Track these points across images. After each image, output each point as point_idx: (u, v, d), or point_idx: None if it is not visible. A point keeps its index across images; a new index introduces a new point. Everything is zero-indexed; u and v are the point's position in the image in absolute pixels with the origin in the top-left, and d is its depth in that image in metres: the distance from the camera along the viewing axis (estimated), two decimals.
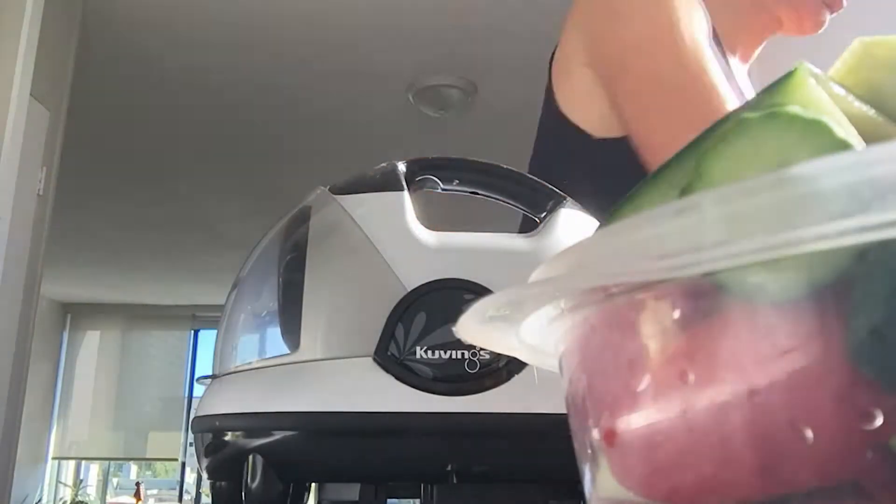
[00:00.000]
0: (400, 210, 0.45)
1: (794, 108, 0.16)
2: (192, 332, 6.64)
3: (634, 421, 0.17)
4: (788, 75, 0.18)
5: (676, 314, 0.16)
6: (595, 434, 0.18)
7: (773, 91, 0.18)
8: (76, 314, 6.78)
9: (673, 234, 0.14)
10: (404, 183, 0.47)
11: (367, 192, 0.47)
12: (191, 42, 2.95)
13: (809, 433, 0.14)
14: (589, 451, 0.19)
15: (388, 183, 0.47)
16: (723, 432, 0.15)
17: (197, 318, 6.66)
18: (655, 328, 0.17)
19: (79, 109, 2.82)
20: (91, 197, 4.28)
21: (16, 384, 2.34)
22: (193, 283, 5.99)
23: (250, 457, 0.41)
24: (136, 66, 3.13)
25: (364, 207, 0.46)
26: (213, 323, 6.03)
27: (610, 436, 0.18)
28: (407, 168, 0.48)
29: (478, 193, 0.52)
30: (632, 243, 0.15)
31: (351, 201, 0.46)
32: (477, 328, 0.20)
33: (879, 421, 0.13)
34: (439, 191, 0.51)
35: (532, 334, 0.21)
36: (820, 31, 0.83)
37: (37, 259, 2.47)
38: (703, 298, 0.16)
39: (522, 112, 1.71)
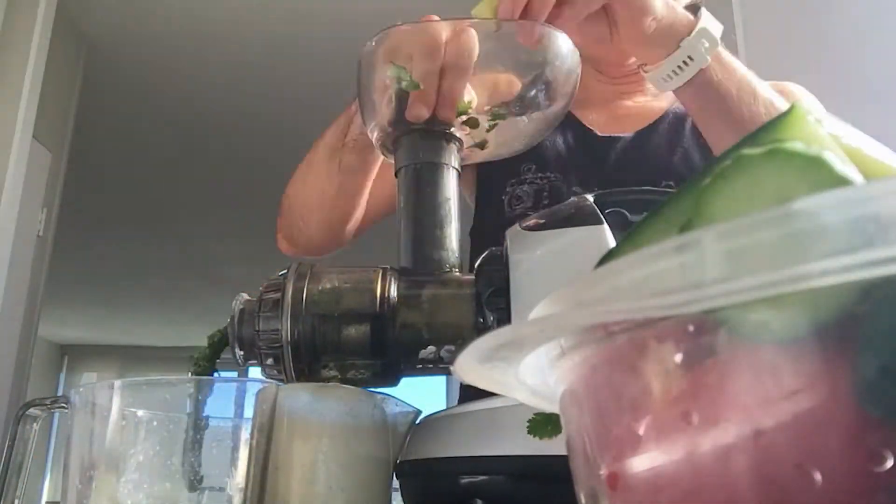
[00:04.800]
0: (603, 244, 0.45)
1: (794, 145, 0.16)
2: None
3: (638, 464, 0.17)
4: (787, 112, 0.18)
5: (679, 353, 0.16)
6: (597, 477, 0.18)
7: (772, 127, 0.18)
8: (73, 356, 6.74)
9: (673, 270, 0.14)
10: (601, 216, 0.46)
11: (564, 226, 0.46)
12: (193, 85, 2.98)
13: (818, 476, 0.14)
14: (591, 495, 0.19)
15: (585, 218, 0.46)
16: (728, 475, 0.15)
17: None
18: (657, 367, 0.17)
19: (80, 152, 2.85)
20: (90, 239, 4.28)
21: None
22: (191, 324, 5.96)
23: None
24: (137, 110, 3.16)
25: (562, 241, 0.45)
26: None
27: (613, 479, 0.17)
28: (596, 201, 0.48)
29: None
30: (632, 280, 0.15)
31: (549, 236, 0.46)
32: (475, 367, 0.19)
33: (890, 463, 0.13)
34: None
35: (532, 374, 0.20)
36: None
37: (35, 300, 2.47)
38: (706, 337, 0.15)
39: None
